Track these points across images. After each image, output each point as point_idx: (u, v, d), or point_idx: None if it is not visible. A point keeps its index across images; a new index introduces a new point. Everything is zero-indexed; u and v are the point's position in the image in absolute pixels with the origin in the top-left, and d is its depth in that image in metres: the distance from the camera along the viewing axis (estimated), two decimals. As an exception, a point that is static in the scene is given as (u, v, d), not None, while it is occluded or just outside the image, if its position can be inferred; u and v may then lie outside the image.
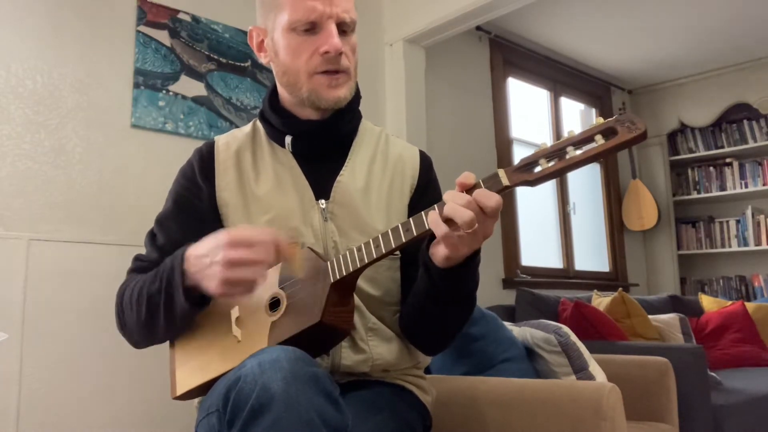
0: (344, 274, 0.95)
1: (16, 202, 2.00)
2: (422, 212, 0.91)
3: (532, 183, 0.86)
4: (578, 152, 0.83)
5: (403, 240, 0.92)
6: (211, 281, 0.92)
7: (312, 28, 1.07)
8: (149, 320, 1.03)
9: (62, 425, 1.99)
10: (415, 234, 0.91)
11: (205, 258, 0.93)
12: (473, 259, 0.96)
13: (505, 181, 0.87)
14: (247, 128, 1.22)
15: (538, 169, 0.85)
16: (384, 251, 0.94)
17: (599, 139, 0.82)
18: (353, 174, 1.15)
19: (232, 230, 0.93)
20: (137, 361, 2.12)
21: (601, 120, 0.83)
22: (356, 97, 1.17)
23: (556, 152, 0.84)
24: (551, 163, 0.85)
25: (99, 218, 2.16)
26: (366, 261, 0.95)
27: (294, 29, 1.07)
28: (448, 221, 0.87)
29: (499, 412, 1.41)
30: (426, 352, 1.19)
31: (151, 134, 2.30)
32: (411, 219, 0.92)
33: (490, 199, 0.85)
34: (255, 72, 2.62)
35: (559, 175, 0.85)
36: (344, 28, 1.09)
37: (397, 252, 1.14)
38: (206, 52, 2.49)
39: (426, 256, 0.98)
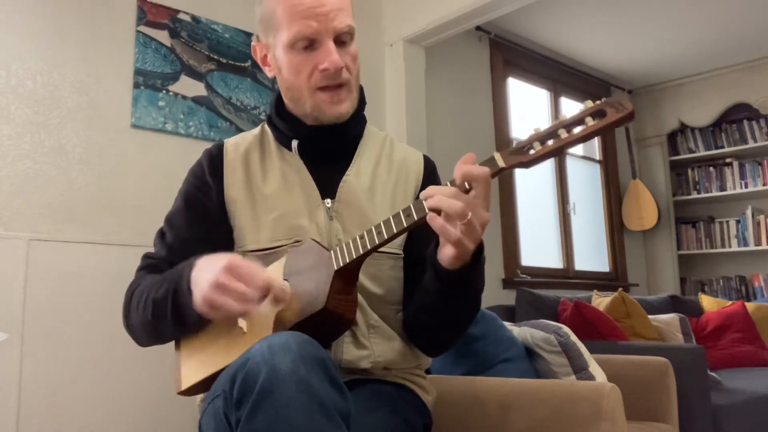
0: (347, 261, 0.96)
1: (16, 202, 2.00)
2: (420, 198, 0.93)
3: (527, 164, 0.89)
4: (569, 134, 0.87)
5: (405, 225, 0.93)
6: (198, 294, 0.93)
7: (310, 44, 1.09)
8: (156, 325, 1.05)
9: (62, 425, 1.99)
10: (416, 219, 0.92)
11: (203, 272, 0.94)
12: (479, 257, 0.98)
13: (501, 163, 0.90)
14: (256, 131, 1.25)
15: (532, 151, 0.89)
16: (386, 237, 0.94)
17: (589, 121, 0.86)
18: (358, 174, 1.17)
19: (237, 258, 0.92)
20: (138, 360, 2.12)
21: (590, 103, 0.87)
22: (361, 102, 1.19)
23: (549, 135, 0.88)
24: (544, 145, 0.88)
25: (99, 218, 2.16)
26: (368, 247, 0.95)
27: (293, 47, 1.09)
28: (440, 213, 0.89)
29: (499, 412, 1.41)
30: (429, 353, 1.20)
31: (151, 134, 2.31)
32: (411, 204, 0.93)
33: (475, 170, 0.87)
34: (255, 72, 2.62)
35: (553, 155, 0.89)
36: (343, 39, 1.11)
37: (401, 252, 1.15)
38: (206, 52, 2.49)
39: (434, 258, 1.00)
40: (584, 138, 0.86)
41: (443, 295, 1.03)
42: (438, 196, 0.89)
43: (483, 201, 0.89)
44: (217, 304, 0.90)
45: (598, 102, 0.86)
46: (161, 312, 1.02)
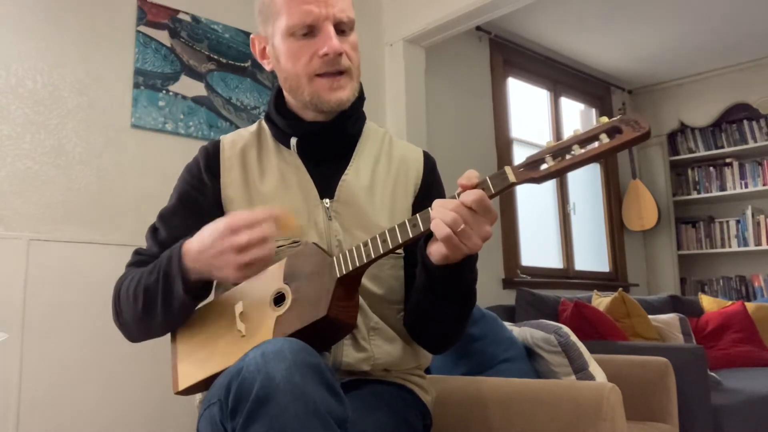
0: (350, 269, 0.95)
1: (16, 202, 2.00)
2: (429, 208, 0.92)
3: (538, 180, 0.87)
4: (583, 150, 0.85)
5: (410, 235, 0.92)
6: (227, 270, 0.94)
7: (310, 31, 1.08)
8: (146, 313, 1.03)
9: (62, 425, 1.99)
10: (422, 229, 0.92)
11: (210, 250, 0.94)
12: (470, 256, 0.96)
13: (512, 178, 0.88)
14: (253, 128, 1.23)
15: (544, 166, 0.87)
16: (391, 246, 0.93)
17: (604, 138, 0.84)
18: (358, 173, 1.16)
19: (226, 219, 0.94)
20: (138, 360, 2.12)
21: (605, 119, 0.84)
22: (360, 98, 1.17)
23: (562, 150, 0.86)
24: (557, 161, 0.86)
25: (99, 218, 2.16)
26: (373, 256, 0.94)
27: (292, 34, 1.08)
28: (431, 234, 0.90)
29: (499, 412, 1.41)
30: (431, 350, 1.19)
31: (151, 134, 2.31)
32: (418, 215, 0.93)
33: (469, 195, 0.88)
34: (255, 72, 2.62)
35: (565, 173, 0.87)
36: (342, 28, 1.10)
37: (401, 251, 1.14)
38: (206, 52, 2.49)
39: (423, 253, 0.99)
40: (598, 156, 0.84)
41: (433, 290, 1.02)
42: (439, 208, 0.89)
43: (485, 217, 0.89)
44: (252, 263, 0.93)
45: (613, 119, 0.84)
46: (152, 302, 1.01)
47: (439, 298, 1.03)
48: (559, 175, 0.87)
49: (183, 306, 1.00)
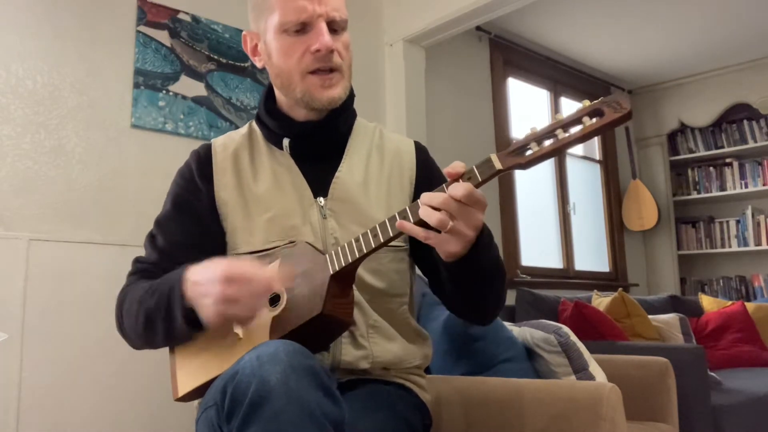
0: (343, 265, 0.95)
1: (16, 202, 2.00)
2: (418, 200, 0.92)
3: (524, 166, 0.87)
4: (567, 134, 0.85)
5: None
6: (205, 311, 0.93)
7: (302, 28, 1.08)
8: (147, 333, 1.04)
9: (62, 425, 1.99)
10: (412, 221, 0.91)
11: (201, 287, 0.93)
12: (478, 242, 0.94)
13: (498, 165, 0.88)
14: (243, 129, 1.23)
15: (529, 152, 0.87)
16: (382, 240, 0.94)
17: (587, 121, 0.84)
18: (351, 169, 1.16)
19: (230, 264, 0.92)
20: (138, 361, 2.12)
21: (587, 102, 0.86)
22: (350, 95, 1.17)
23: (546, 135, 0.87)
24: (542, 146, 0.87)
25: (99, 218, 2.16)
26: (365, 251, 0.95)
27: (285, 30, 1.09)
28: (424, 224, 0.89)
29: (499, 412, 1.40)
30: (479, 324, 1.18)
31: (151, 134, 2.31)
32: (408, 207, 0.93)
33: (458, 188, 0.87)
34: (255, 72, 2.62)
35: (550, 156, 0.87)
36: (335, 27, 1.10)
37: (405, 244, 1.15)
38: (206, 52, 2.49)
39: (435, 252, 0.99)
40: (582, 138, 0.85)
41: (457, 281, 1.03)
42: (424, 208, 0.88)
43: (475, 207, 0.88)
44: (228, 317, 0.91)
45: (595, 101, 0.85)
46: (152, 324, 1.01)
47: (466, 284, 1.03)
48: (545, 159, 0.87)
49: (184, 333, 1.00)
